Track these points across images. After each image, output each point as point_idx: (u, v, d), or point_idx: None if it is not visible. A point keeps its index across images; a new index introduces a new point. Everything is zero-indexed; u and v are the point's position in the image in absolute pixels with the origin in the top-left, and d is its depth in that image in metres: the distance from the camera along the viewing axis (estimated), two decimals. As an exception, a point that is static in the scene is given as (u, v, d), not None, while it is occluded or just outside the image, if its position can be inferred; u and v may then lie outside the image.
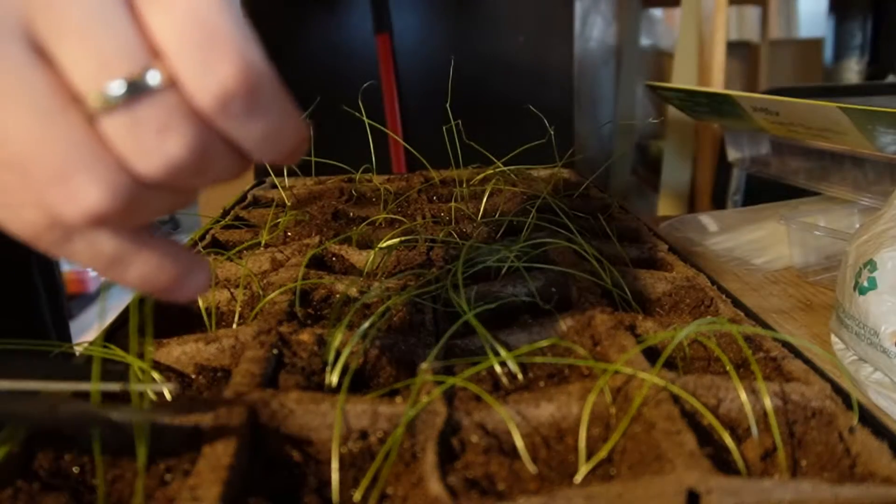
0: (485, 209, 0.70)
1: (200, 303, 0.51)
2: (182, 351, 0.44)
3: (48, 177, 0.23)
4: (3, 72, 0.22)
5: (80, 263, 0.27)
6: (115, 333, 0.47)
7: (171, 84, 0.23)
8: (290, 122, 0.26)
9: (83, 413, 0.30)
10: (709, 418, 0.36)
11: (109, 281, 0.27)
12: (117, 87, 0.23)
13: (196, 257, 0.29)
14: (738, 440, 0.37)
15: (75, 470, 0.34)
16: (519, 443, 0.35)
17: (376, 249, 0.56)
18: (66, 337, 0.80)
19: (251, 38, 0.24)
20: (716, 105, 0.99)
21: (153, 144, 0.23)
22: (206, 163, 0.25)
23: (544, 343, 0.44)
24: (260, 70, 0.24)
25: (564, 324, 0.46)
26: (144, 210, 0.26)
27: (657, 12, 2.47)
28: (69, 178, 0.23)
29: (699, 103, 1.03)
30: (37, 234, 0.25)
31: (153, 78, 0.23)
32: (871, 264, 0.51)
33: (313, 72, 1.32)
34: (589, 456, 0.35)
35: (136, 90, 0.23)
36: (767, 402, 0.36)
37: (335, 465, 0.33)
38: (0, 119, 0.22)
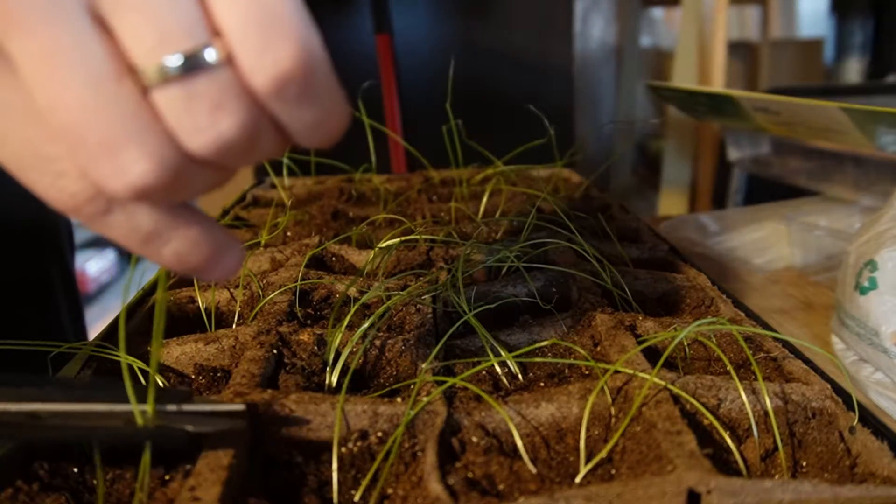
0: (485, 209, 0.70)
1: (200, 303, 0.51)
2: (182, 351, 0.44)
3: (97, 146, 0.23)
4: (60, 39, 0.22)
5: (115, 238, 0.26)
6: (116, 335, 0.47)
7: (229, 63, 0.23)
8: (338, 111, 0.25)
9: (160, 427, 0.31)
10: (709, 418, 0.36)
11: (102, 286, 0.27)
12: (174, 61, 0.22)
13: (230, 236, 0.28)
14: (739, 440, 0.37)
15: (75, 470, 0.34)
16: (519, 443, 0.35)
17: (376, 249, 0.56)
18: (83, 337, 0.81)
19: (310, 23, 0.23)
20: (716, 105, 0.99)
21: (206, 121, 0.23)
22: (253, 143, 0.25)
23: (544, 343, 0.44)
24: (317, 56, 0.24)
25: (564, 324, 0.46)
26: (187, 187, 0.25)
27: (657, 12, 2.47)
28: (119, 150, 0.23)
29: (699, 103, 1.03)
30: (77, 206, 0.25)
31: (210, 55, 0.23)
32: (871, 264, 0.51)
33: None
34: (589, 456, 0.35)
35: (193, 66, 0.23)
36: (768, 403, 0.36)
37: (335, 465, 0.33)
38: (54, 86, 0.22)
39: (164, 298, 0.29)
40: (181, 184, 0.25)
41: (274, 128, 0.25)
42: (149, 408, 0.31)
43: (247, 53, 0.23)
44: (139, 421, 0.31)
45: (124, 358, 0.35)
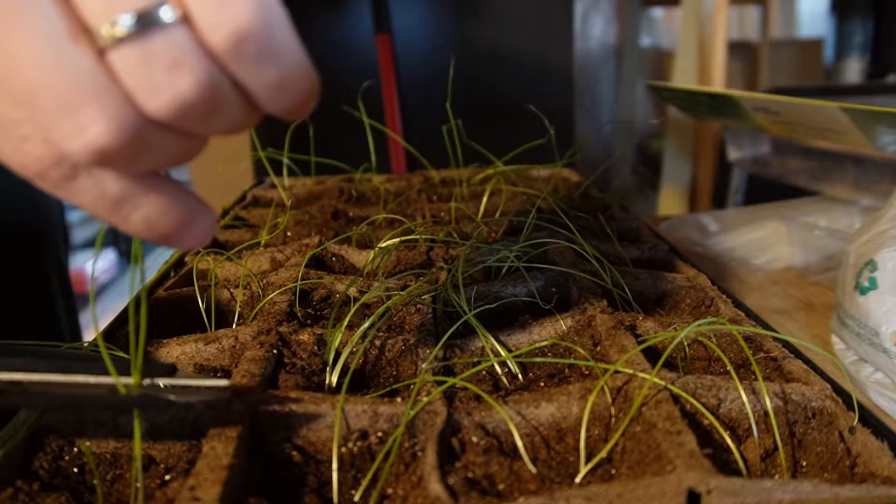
0: (485, 209, 0.70)
1: (200, 303, 0.51)
2: (182, 351, 0.44)
3: (55, 108, 0.23)
4: (15, 1, 0.22)
5: (84, 206, 0.26)
6: (115, 333, 0.47)
7: (185, 21, 0.23)
8: (301, 73, 0.25)
9: (143, 396, 0.31)
10: (709, 418, 0.36)
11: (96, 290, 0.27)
12: (126, 20, 0.22)
13: (201, 202, 0.28)
14: (739, 440, 0.37)
15: (75, 470, 0.34)
16: (519, 443, 0.35)
17: (376, 249, 0.56)
18: (79, 337, 0.81)
19: None
20: (716, 105, 0.99)
21: (163, 80, 0.23)
22: (214, 105, 0.24)
23: (544, 343, 0.44)
24: (275, 15, 0.24)
25: (564, 324, 0.46)
26: (150, 153, 0.25)
27: (657, 12, 2.47)
28: (76, 110, 0.23)
29: (700, 103, 1.03)
30: (42, 171, 0.25)
31: (166, 13, 0.23)
32: (871, 264, 0.51)
33: (313, 71, 1.32)
34: (589, 456, 0.35)
35: (148, 24, 0.23)
36: (768, 403, 0.36)
37: (335, 465, 0.33)
38: (10, 48, 0.22)
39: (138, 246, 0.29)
40: (143, 148, 0.25)
41: (236, 91, 0.25)
42: (133, 378, 0.31)
43: (203, 11, 0.23)
44: (122, 390, 0.31)
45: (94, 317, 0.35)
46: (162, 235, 0.27)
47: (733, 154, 1.12)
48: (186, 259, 0.61)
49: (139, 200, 0.26)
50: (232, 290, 0.53)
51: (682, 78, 1.46)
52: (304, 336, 0.43)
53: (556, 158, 0.73)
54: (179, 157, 0.26)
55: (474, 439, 0.35)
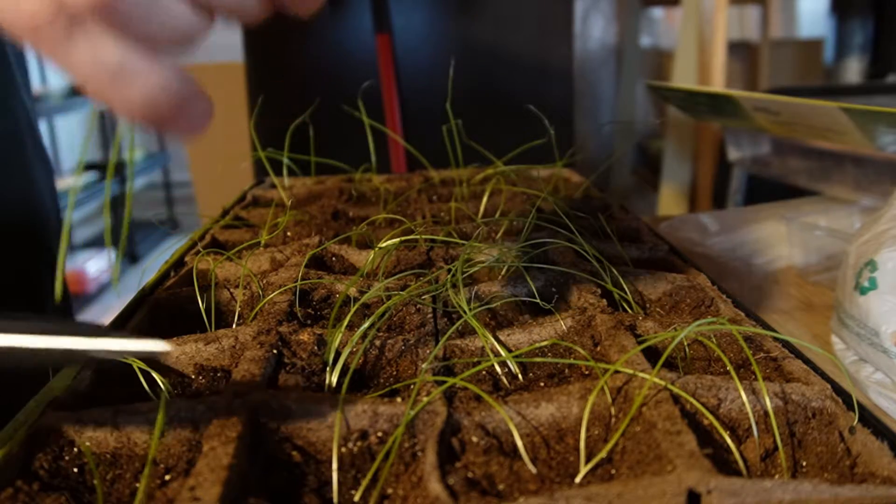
0: (485, 209, 0.70)
1: (200, 303, 0.51)
2: (182, 351, 0.44)
3: None
4: None
5: (81, 74, 0.25)
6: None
7: None
8: None
9: (65, 352, 0.30)
10: (709, 418, 0.36)
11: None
12: None
13: (199, 87, 0.27)
14: (739, 440, 0.37)
15: (75, 470, 0.34)
16: (519, 443, 0.35)
17: (376, 249, 0.56)
18: None
19: None
20: (716, 105, 0.99)
21: None
22: None
23: (544, 343, 0.44)
24: None
25: (564, 324, 0.46)
26: (154, 14, 0.24)
27: (657, 12, 2.47)
28: None
29: (699, 103, 1.03)
30: (36, 28, 0.24)
31: None
32: (871, 264, 0.51)
33: (313, 72, 1.32)
34: (589, 456, 0.35)
35: None
36: (768, 403, 0.36)
37: (335, 465, 0.33)
38: None
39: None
40: (144, 5, 0.24)
41: None
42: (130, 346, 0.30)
43: None
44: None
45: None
46: (159, 117, 0.26)
47: (733, 154, 1.12)
48: (186, 259, 0.61)
49: (138, 71, 0.25)
50: (232, 290, 0.53)
51: (682, 78, 1.46)
52: (304, 336, 0.43)
53: (556, 158, 0.73)
54: (181, 29, 0.25)
55: (474, 439, 0.35)
